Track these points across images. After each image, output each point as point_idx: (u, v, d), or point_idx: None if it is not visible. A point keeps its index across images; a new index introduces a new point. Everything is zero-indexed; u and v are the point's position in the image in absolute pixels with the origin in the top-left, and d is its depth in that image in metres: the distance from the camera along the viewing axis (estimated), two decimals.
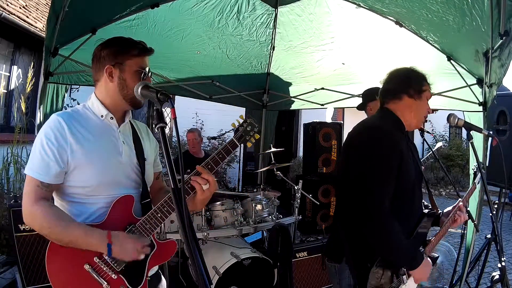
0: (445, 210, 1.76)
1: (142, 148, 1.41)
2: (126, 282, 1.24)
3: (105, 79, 1.30)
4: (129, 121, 1.41)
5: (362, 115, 2.41)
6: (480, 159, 2.49)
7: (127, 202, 1.30)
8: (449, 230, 1.72)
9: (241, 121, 1.44)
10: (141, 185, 1.38)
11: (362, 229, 1.47)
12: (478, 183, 1.93)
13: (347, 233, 1.58)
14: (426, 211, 1.69)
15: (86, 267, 1.19)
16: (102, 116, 1.32)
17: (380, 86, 1.74)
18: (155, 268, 1.42)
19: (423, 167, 2.86)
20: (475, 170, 2.12)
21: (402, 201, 1.52)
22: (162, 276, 1.49)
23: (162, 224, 1.40)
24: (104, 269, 1.21)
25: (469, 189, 1.90)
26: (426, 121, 1.69)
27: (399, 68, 1.70)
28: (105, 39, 1.35)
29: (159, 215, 1.30)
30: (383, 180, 1.45)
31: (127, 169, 1.34)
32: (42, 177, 1.18)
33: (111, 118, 1.33)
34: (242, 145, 1.43)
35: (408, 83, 1.63)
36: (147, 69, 1.32)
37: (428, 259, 1.58)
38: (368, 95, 2.76)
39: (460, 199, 1.78)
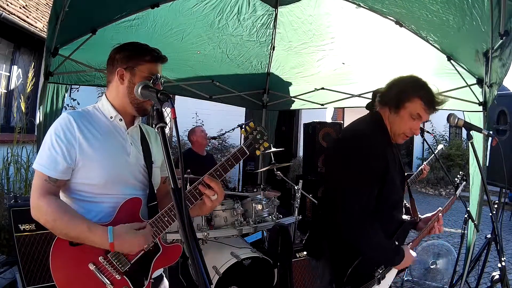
0: (423, 216, 1.81)
1: (150, 151, 1.42)
2: (130, 283, 1.24)
3: (116, 81, 1.32)
4: (138, 125, 1.43)
5: (362, 115, 2.39)
6: (480, 159, 2.49)
7: (135, 204, 1.31)
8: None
9: (250, 128, 1.43)
10: (148, 187, 1.39)
11: (344, 229, 1.51)
12: (458, 194, 2.00)
13: (331, 232, 1.61)
14: (406, 217, 1.74)
15: (91, 266, 1.20)
16: (111, 117, 1.34)
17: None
18: (160, 271, 1.42)
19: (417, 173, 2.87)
20: (458, 180, 2.13)
21: (384, 208, 1.56)
22: (165, 278, 1.49)
23: None
24: (109, 269, 1.21)
25: (450, 200, 1.95)
26: (407, 137, 1.64)
27: (402, 76, 1.64)
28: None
29: (166, 218, 1.30)
30: (365, 187, 1.47)
31: (134, 169, 1.35)
32: (49, 172, 1.20)
33: (120, 119, 1.35)
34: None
35: (389, 95, 1.61)
36: (158, 75, 1.32)
37: (409, 248, 1.62)
38: None
39: (440, 208, 1.82)
